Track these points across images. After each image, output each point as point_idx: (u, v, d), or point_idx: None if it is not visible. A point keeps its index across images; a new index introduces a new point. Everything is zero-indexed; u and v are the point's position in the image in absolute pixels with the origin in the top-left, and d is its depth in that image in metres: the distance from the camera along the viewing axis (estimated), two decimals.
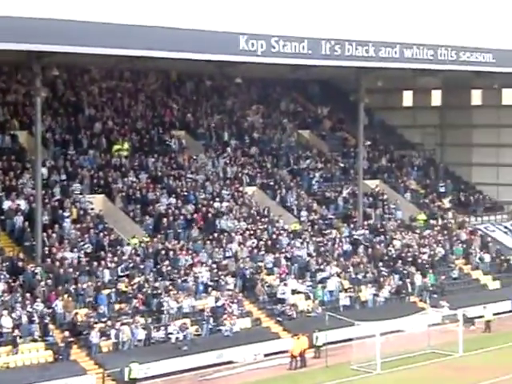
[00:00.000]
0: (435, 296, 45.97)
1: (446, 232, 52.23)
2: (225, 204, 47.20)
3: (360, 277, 45.43)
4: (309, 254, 45.93)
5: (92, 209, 43.50)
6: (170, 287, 40.08)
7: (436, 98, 61.23)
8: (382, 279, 45.68)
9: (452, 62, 47.34)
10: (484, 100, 59.50)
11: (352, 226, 49.95)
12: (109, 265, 39.96)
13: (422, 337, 39.48)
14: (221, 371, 36.96)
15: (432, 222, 53.00)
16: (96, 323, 36.83)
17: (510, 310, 47.26)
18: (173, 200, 45.82)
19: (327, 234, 48.49)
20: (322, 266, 45.09)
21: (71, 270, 38.82)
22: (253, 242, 45.29)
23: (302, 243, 46.48)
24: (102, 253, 40.66)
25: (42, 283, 37.56)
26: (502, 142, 58.75)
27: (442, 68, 48.10)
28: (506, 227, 55.89)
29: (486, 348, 39.91)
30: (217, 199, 47.32)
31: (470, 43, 47.88)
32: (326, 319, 39.25)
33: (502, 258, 51.55)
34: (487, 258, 50.88)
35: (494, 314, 44.32)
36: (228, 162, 51.18)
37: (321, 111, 59.85)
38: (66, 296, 37.46)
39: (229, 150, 52.20)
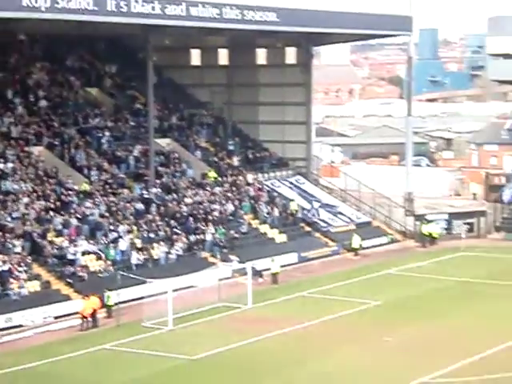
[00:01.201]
0: (225, 251, 47.08)
1: (234, 188, 53.46)
2: (9, 165, 45.64)
3: (152, 235, 45.64)
4: (101, 215, 45.48)
5: None
6: None
7: (223, 57, 61.83)
8: (174, 237, 46.15)
9: (237, 21, 47.89)
10: (268, 59, 60.78)
11: (144, 184, 49.94)
12: None
13: (213, 291, 40.34)
14: (10, 335, 36.09)
15: (222, 179, 54.03)
16: None
17: (296, 262, 49.27)
18: None
19: (119, 193, 48.21)
20: (113, 226, 44.84)
21: None
22: (41, 204, 44.23)
23: (93, 203, 45.93)
24: None
25: None
26: (287, 100, 60.41)
27: (227, 27, 48.59)
28: (291, 182, 57.98)
29: (273, 300, 41.38)
30: (1, 160, 45.65)
31: (254, 2, 48.50)
32: (118, 278, 39.16)
33: (288, 212, 53.57)
34: (275, 212, 52.66)
35: (282, 267, 46.02)
36: (12, 121, 49.38)
37: (109, 69, 58.95)
38: None
39: (14, 108, 50.34)
